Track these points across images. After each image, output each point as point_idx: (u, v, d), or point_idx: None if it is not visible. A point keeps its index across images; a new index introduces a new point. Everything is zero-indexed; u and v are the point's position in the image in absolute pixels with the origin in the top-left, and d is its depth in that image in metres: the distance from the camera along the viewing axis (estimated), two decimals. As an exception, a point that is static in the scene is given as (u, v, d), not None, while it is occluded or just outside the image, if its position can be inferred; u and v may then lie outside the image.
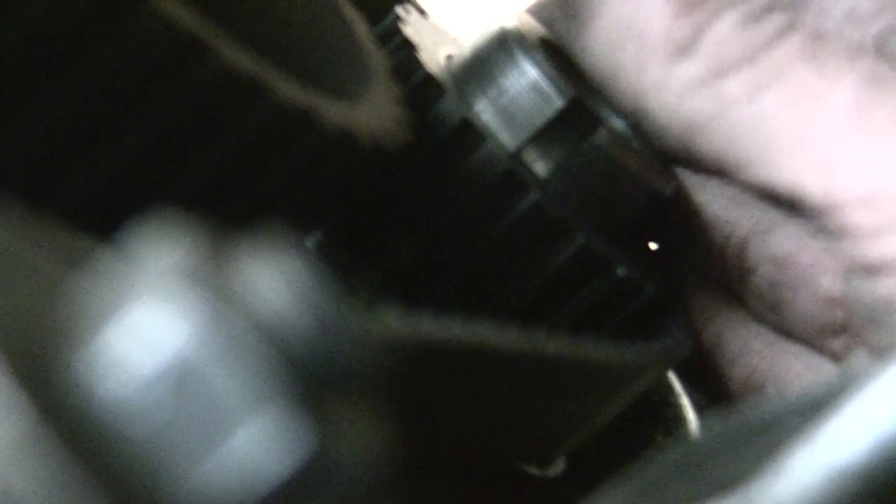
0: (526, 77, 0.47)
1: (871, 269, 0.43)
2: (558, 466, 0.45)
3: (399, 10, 0.48)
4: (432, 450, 0.39)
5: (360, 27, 0.44)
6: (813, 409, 0.27)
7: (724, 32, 0.46)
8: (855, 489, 0.26)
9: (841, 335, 0.45)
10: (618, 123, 0.49)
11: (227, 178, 0.33)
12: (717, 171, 0.47)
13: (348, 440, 0.22)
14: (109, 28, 0.30)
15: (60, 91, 0.30)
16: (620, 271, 0.46)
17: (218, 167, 0.33)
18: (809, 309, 0.45)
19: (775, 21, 0.46)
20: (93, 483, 0.19)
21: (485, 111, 0.47)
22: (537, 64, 0.47)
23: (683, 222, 0.50)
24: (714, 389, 0.47)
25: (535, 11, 0.49)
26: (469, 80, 0.47)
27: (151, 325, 0.21)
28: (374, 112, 0.39)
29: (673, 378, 0.50)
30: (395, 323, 0.31)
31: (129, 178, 0.31)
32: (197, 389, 0.21)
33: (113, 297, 0.21)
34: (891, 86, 0.43)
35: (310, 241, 0.41)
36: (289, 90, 0.34)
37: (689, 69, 0.46)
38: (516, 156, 0.46)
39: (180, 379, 0.21)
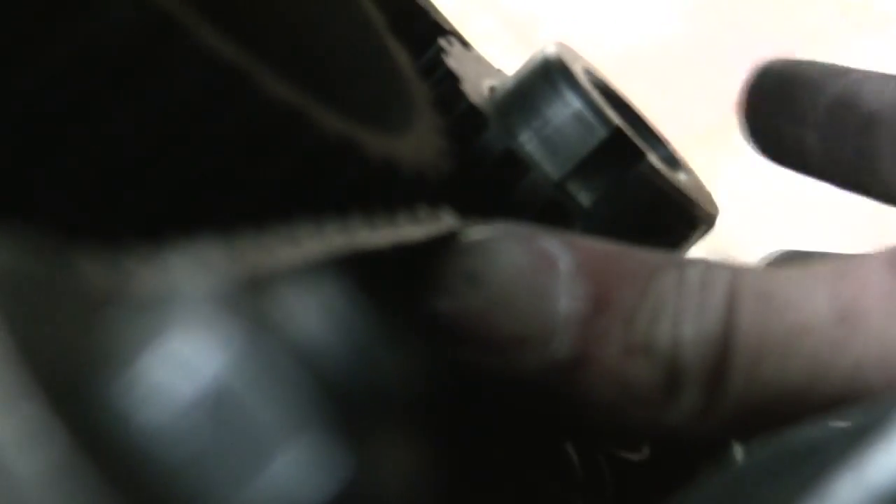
0: (570, 107, 0.47)
1: None
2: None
3: (442, 42, 0.49)
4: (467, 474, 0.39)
5: (404, 59, 0.44)
6: (858, 434, 0.26)
7: None
8: (901, 515, 0.25)
9: None
10: (662, 153, 0.49)
11: (268, 208, 0.33)
12: None
13: (386, 467, 0.22)
14: (152, 61, 0.30)
15: (103, 123, 0.30)
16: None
17: (260, 197, 0.33)
18: None
19: None
20: (129, 509, 0.19)
21: (528, 142, 0.47)
22: (581, 94, 0.47)
23: None
24: None
25: None
26: (512, 111, 0.47)
27: (189, 353, 0.21)
28: (417, 143, 0.39)
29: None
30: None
31: (172, 207, 0.31)
32: (234, 417, 0.21)
33: (150, 325, 0.22)
34: None
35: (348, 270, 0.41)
36: (331, 122, 0.34)
37: None
38: (560, 186, 0.46)
39: (217, 406, 0.21)
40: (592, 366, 0.38)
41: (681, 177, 0.48)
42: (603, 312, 0.38)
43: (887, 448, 0.26)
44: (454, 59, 0.48)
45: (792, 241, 0.48)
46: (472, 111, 0.46)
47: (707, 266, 0.39)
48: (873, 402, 0.28)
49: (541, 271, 0.39)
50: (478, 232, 0.40)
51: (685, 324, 0.38)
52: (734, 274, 0.38)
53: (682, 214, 0.48)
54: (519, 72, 0.49)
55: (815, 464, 0.27)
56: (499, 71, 0.52)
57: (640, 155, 0.46)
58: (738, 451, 0.39)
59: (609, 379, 0.38)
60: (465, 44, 0.51)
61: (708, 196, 0.50)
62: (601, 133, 0.47)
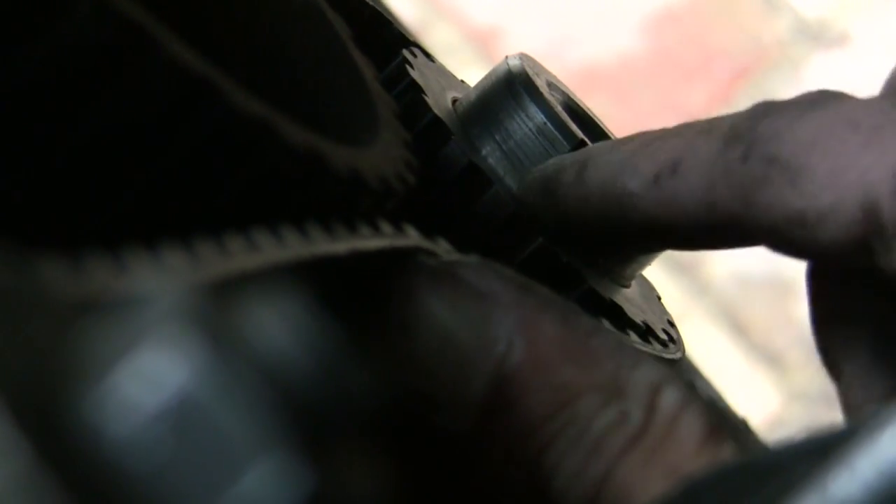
0: (533, 121, 0.47)
1: None
2: None
3: (406, 53, 0.48)
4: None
5: (369, 72, 0.44)
6: (822, 453, 0.27)
7: None
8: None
9: None
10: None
11: (233, 217, 0.33)
12: None
13: (349, 481, 0.22)
14: (121, 71, 0.30)
15: (69, 130, 0.30)
16: (628, 315, 0.46)
17: (225, 206, 0.33)
18: None
19: None
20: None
21: (491, 155, 0.47)
22: (544, 107, 0.47)
23: None
24: None
25: None
26: (476, 124, 0.47)
27: (154, 366, 0.21)
28: (383, 155, 0.39)
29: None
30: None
31: (135, 214, 0.31)
32: (200, 430, 0.21)
33: (118, 339, 0.21)
34: None
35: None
36: (297, 134, 0.34)
37: None
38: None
39: (182, 418, 0.21)
40: (483, 453, 0.38)
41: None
42: (509, 415, 0.37)
43: (851, 467, 0.26)
44: (418, 71, 0.48)
45: (750, 253, 0.48)
46: (435, 123, 0.46)
47: (634, 402, 0.37)
48: (838, 424, 0.28)
49: (474, 348, 0.38)
50: (450, 266, 0.39)
51: (569, 464, 0.37)
52: (642, 427, 0.37)
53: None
54: (482, 83, 0.49)
55: (780, 483, 0.27)
56: (462, 83, 0.52)
57: (603, 169, 0.46)
58: None
59: (493, 469, 0.38)
60: (428, 55, 0.51)
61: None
62: (564, 147, 0.47)
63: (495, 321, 0.38)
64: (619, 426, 0.37)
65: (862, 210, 0.40)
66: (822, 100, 0.42)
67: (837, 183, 0.40)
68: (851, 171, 0.40)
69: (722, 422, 0.36)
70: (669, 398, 0.37)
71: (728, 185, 0.42)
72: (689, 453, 0.36)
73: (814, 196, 0.40)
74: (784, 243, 0.42)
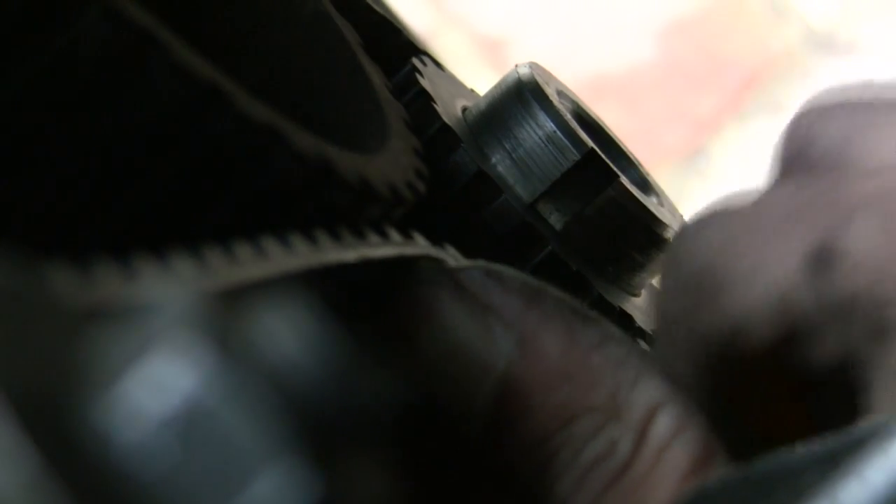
0: (543, 129, 0.47)
1: None
2: None
3: (415, 61, 0.49)
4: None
5: (378, 79, 0.44)
6: (832, 461, 0.26)
7: None
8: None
9: None
10: (633, 175, 0.49)
11: (241, 224, 0.33)
12: None
13: (357, 489, 0.22)
14: (129, 78, 0.30)
15: (81, 137, 0.30)
16: (637, 323, 0.46)
17: (233, 213, 0.33)
18: None
19: None
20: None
21: (501, 163, 0.47)
22: (554, 116, 0.47)
23: None
24: None
25: None
26: (485, 132, 0.47)
27: (162, 373, 0.21)
28: (392, 163, 0.39)
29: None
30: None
31: (148, 224, 0.31)
32: (207, 436, 0.21)
33: (127, 346, 0.21)
34: None
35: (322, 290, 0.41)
36: (307, 141, 0.34)
37: None
38: (532, 208, 0.46)
39: (190, 425, 0.21)
40: (491, 463, 0.38)
41: (652, 199, 0.48)
42: (512, 430, 0.37)
43: (861, 476, 0.26)
44: (427, 79, 0.48)
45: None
46: (444, 131, 0.46)
47: (627, 427, 0.37)
48: (847, 431, 0.28)
49: (477, 362, 0.38)
50: (456, 275, 0.39)
51: (560, 489, 0.37)
52: (629, 459, 0.37)
53: (653, 237, 0.48)
54: (492, 92, 0.49)
55: (789, 491, 0.26)
56: (471, 91, 0.52)
57: (613, 177, 0.46)
58: None
59: (500, 479, 0.38)
60: (438, 64, 0.51)
61: (679, 218, 0.50)
62: (574, 155, 0.46)
63: (497, 337, 0.38)
64: (607, 458, 0.37)
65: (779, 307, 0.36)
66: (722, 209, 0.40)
67: (755, 281, 0.38)
68: (763, 268, 0.38)
69: (717, 444, 0.36)
70: (663, 425, 0.37)
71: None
72: (669, 489, 0.36)
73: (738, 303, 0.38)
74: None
